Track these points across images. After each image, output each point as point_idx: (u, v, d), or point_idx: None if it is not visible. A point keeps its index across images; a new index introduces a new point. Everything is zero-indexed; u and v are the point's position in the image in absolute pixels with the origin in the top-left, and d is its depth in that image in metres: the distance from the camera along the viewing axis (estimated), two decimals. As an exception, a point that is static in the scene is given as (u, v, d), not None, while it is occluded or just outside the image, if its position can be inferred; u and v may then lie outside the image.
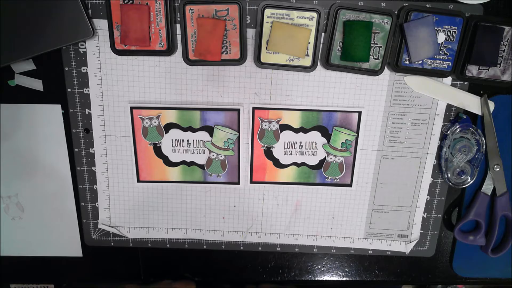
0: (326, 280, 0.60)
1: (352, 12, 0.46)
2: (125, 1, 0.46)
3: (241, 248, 0.58)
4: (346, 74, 0.50)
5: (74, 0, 0.45)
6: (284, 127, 0.52)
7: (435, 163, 0.54)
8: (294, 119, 0.52)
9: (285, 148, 0.53)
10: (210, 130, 0.52)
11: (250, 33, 0.48)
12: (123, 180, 0.55)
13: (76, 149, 0.53)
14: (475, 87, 0.51)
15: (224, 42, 0.47)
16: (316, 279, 0.60)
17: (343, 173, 0.54)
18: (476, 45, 0.47)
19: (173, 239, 0.58)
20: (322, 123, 0.52)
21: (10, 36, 0.46)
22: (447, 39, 0.47)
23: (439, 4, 0.47)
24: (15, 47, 0.47)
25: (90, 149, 0.53)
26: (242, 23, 0.47)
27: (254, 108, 0.51)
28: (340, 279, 0.60)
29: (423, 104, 0.51)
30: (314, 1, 0.47)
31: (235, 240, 0.58)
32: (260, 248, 0.58)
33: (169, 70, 0.50)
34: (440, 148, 0.53)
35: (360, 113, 0.51)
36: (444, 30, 0.47)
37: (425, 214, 0.56)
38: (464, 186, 0.53)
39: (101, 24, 0.48)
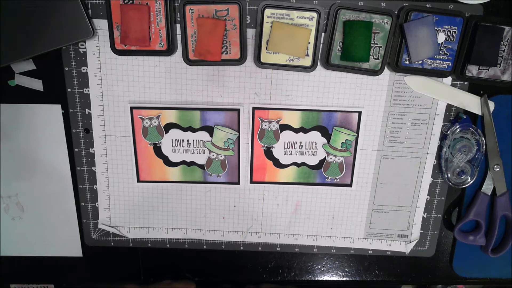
0: (326, 280, 0.60)
1: (352, 12, 0.46)
2: (125, 1, 0.46)
3: (241, 248, 0.58)
4: (346, 74, 0.50)
5: (74, 0, 0.46)
6: (284, 127, 0.52)
7: (435, 163, 0.54)
8: (294, 119, 0.52)
9: (285, 148, 0.53)
10: (210, 130, 0.52)
11: (250, 33, 0.48)
12: (123, 180, 0.55)
13: (76, 149, 0.53)
14: (475, 87, 0.51)
15: (224, 42, 0.47)
16: (316, 279, 0.60)
17: (343, 173, 0.54)
18: (476, 45, 0.47)
19: (173, 239, 0.58)
20: (322, 123, 0.52)
21: (10, 36, 0.46)
22: (447, 39, 0.47)
23: (439, 4, 0.47)
24: (15, 47, 0.47)
25: (90, 149, 0.53)
26: (242, 23, 0.47)
27: (254, 108, 0.51)
28: (340, 279, 0.60)
29: (423, 104, 0.51)
30: (314, 1, 0.47)
31: (235, 240, 0.58)
32: (260, 248, 0.58)
33: (169, 70, 0.50)
34: (440, 148, 0.53)
35: (360, 113, 0.51)
36: (444, 30, 0.47)
37: (425, 214, 0.56)
38: (464, 186, 0.53)
39: (101, 24, 0.48)
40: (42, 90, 0.51)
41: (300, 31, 0.46)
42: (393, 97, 0.51)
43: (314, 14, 0.46)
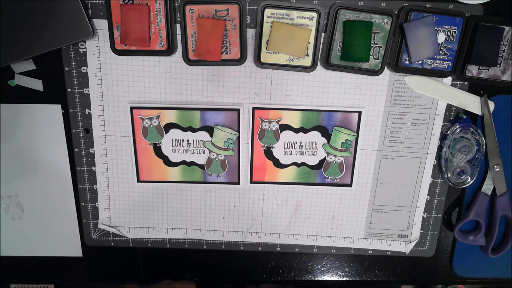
0: (326, 280, 0.60)
1: (352, 12, 0.46)
2: (125, 1, 0.46)
3: (241, 248, 0.58)
4: (346, 74, 0.50)
5: (74, 0, 0.46)
6: (284, 127, 0.52)
7: (435, 163, 0.54)
8: (294, 119, 0.52)
9: (285, 148, 0.53)
10: (210, 130, 0.52)
11: (250, 33, 0.48)
12: (123, 180, 0.55)
13: (76, 149, 0.53)
14: (475, 87, 0.51)
15: (224, 42, 0.47)
16: (316, 279, 0.60)
17: (343, 173, 0.54)
18: (476, 45, 0.47)
19: (173, 239, 0.58)
20: (322, 123, 0.52)
21: (10, 36, 0.46)
22: (447, 39, 0.47)
23: (439, 4, 0.47)
24: (15, 47, 0.47)
25: (90, 149, 0.53)
26: (242, 23, 0.47)
27: (254, 108, 0.51)
28: (340, 279, 0.60)
29: (423, 104, 0.51)
30: (314, 1, 0.47)
31: (235, 240, 0.58)
32: (260, 248, 0.58)
33: (169, 70, 0.50)
34: (440, 148, 0.53)
35: (360, 113, 0.51)
36: (444, 30, 0.47)
37: (425, 214, 0.56)
38: (464, 186, 0.53)
39: (101, 24, 0.48)
40: (42, 90, 0.51)
41: (300, 31, 0.46)
42: (393, 97, 0.51)
43: (314, 14, 0.46)
